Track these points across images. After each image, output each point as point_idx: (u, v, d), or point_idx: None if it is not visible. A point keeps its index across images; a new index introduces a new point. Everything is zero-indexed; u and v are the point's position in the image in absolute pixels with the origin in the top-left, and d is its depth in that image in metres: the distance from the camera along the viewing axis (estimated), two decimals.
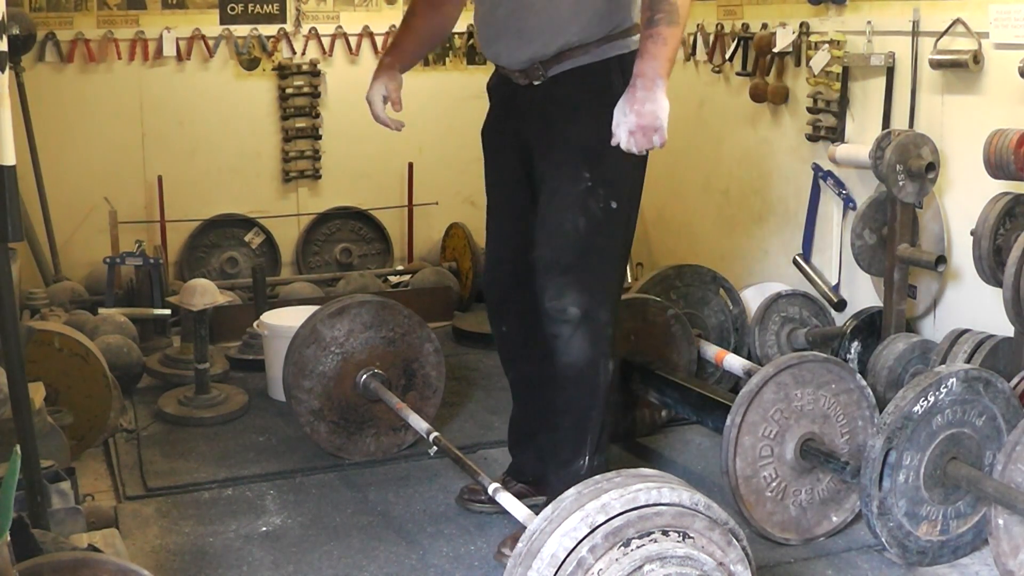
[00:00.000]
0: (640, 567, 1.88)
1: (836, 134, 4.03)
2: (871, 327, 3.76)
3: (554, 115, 2.71)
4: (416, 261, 5.45)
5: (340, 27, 5.20)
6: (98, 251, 4.70)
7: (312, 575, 2.76)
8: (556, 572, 1.89)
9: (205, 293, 3.79)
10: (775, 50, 4.24)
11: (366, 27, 5.23)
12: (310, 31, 5.16)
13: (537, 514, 2.03)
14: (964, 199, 3.55)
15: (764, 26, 4.32)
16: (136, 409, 3.85)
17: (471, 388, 4.13)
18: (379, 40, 5.23)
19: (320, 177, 5.32)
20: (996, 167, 3.18)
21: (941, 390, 2.68)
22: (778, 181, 4.44)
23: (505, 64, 2.80)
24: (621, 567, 1.88)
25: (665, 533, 1.92)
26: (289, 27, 5.13)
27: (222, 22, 5.03)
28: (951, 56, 3.48)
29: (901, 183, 3.44)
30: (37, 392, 2.78)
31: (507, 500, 2.55)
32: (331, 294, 4.74)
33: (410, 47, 3.04)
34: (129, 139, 5.01)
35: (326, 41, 5.19)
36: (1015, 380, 3.00)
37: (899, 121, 3.76)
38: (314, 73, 5.19)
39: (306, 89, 5.19)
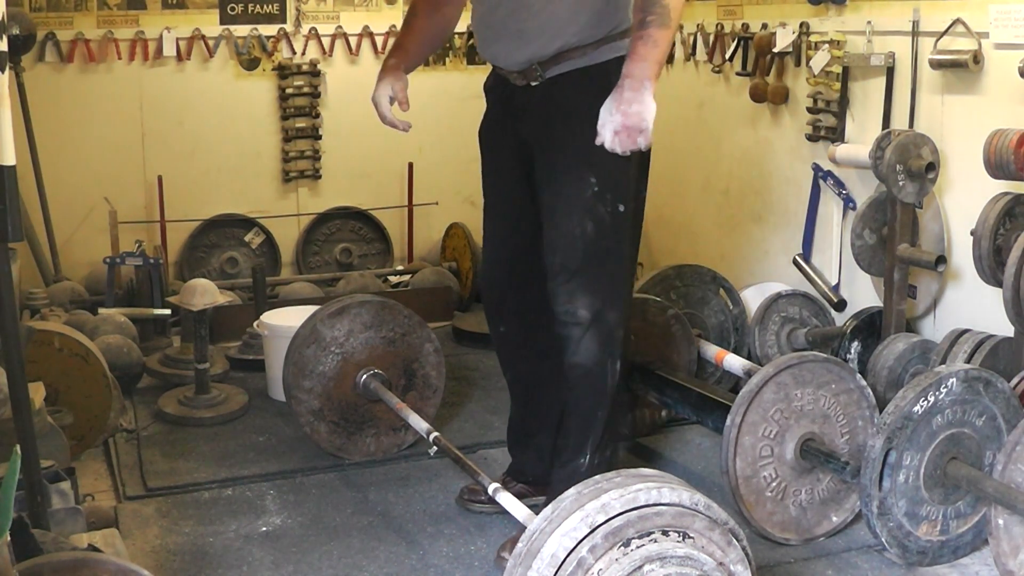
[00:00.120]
0: (640, 567, 1.88)
1: (836, 134, 4.03)
2: (871, 327, 3.75)
3: (554, 117, 2.71)
4: (416, 261, 5.45)
5: (340, 27, 5.20)
6: (98, 251, 4.69)
7: (312, 575, 2.75)
8: (556, 572, 1.89)
9: (205, 293, 3.79)
10: (775, 50, 4.24)
11: (366, 27, 5.23)
12: (310, 31, 5.16)
13: (537, 514, 2.03)
14: (964, 199, 3.55)
15: (764, 26, 4.32)
16: (136, 409, 3.85)
17: (471, 388, 4.13)
18: (379, 40, 5.23)
19: (320, 177, 5.32)
20: (996, 167, 3.17)
21: (941, 390, 2.68)
22: (778, 181, 4.44)
23: (503, 65, 2.80)
24: (621, 567, 1.88)
25: (665, 533, 1.92)
26: (289, 27, 5.13)
27: (222, 22, 5.03)
28: (951, 56, 3.48)
29: (901, 183, 3.44)
30: (37, 392, 2.78)
31: (507, 500, 2.55)
32: (331, 294, 4.74)
33: (413, 48, 3.03)
34: (129, 139, 5.00)
35: (326, 41, 5.19)
36: (1015, 380, 3.00)
37: (899, 121, 3.76)
38: (314, 73, 5.19)
39: (306, 89, 5.19)
